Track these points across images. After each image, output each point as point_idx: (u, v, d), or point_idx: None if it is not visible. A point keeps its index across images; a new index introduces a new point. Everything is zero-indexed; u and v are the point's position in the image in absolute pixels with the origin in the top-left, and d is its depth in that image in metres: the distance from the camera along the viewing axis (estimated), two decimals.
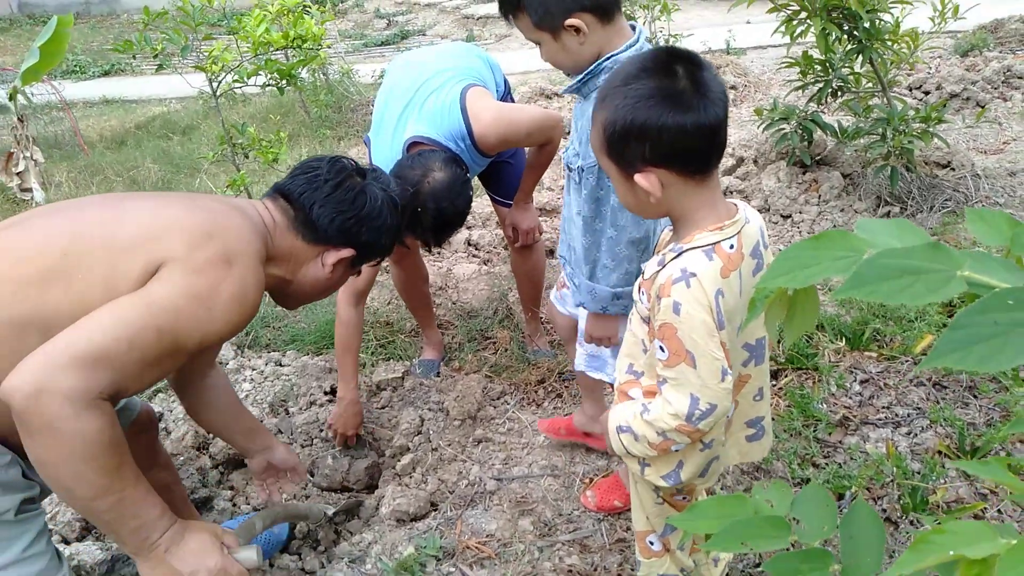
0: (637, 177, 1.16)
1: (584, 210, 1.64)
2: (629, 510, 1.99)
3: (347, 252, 1.58)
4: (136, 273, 1.25)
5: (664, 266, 1.20)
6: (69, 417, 1.12)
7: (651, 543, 1.55)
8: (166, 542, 1.28)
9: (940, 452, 2.07)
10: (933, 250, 0.55)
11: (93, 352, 1.16)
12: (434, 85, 2.18)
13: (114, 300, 1.22)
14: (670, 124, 1.11)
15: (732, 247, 1.19)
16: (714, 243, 1.17)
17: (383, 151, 2.22)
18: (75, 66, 10.18)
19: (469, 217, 3.91)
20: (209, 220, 1.36)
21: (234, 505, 2.21)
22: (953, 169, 3.69)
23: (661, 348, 1.19)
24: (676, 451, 1.28)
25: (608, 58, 1.53)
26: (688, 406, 1.18)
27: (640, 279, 1.29)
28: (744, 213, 1.24)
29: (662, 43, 5.91)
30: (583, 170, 1.62)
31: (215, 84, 3.47)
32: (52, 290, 1.22)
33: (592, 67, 1.54)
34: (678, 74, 1.13)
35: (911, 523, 1.88)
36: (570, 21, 1.48)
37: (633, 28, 1.59)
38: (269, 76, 3.47)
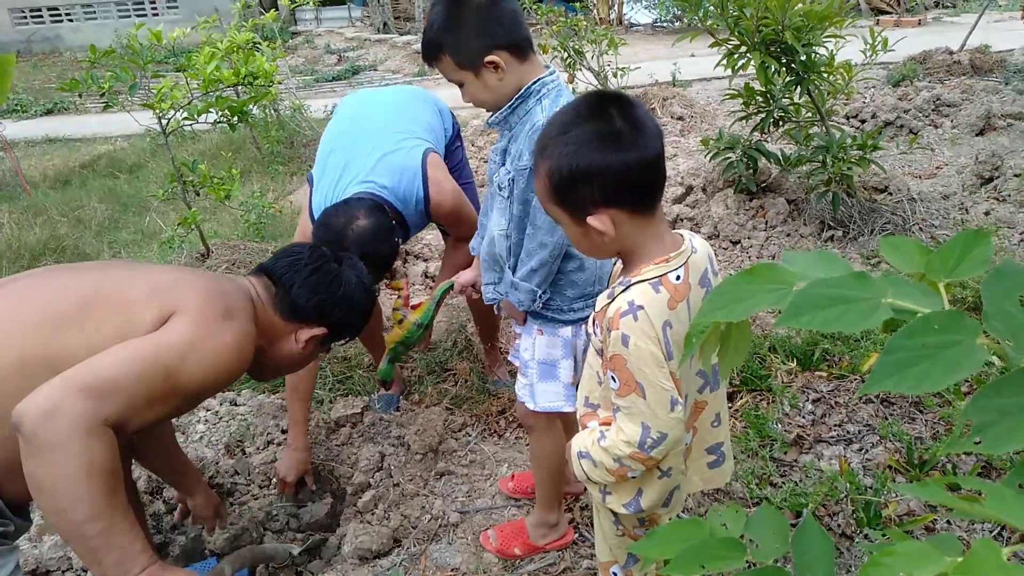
0: (590, 220, 1.18)
1: (515, 210, 1.69)
2: (588, 533, 2.00)
3: (319, 330, 1.70)
4: (149, 320, 1.37)
5: (613, 299, 1.23)
6: (76, 438, 1.19)
7: (615, 574, 1.56)
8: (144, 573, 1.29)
9: (890, 467, 2.14)
10: (858, 280, 0.59)
11: (105, 382, 1.24)
12: (389, 146, 2.23)
13: (126, 345, 1.31)
14: (615, 163, 1.15)
15: (679, 278, 1.22)
16: (661, 275, 1.21)
17: (323, 194, 2.26)
18: (16, 105, 9.96)
19: (426, 250, 3.94)
20: (213, 280, 1.53)
21: (188, 548, 2.16)
22: (891, 193, 3.85)
23: (613, 378, 1.22)
24: (633, 478, 1.30)
25: (535, 81, 1.62)
26: (640, 434, 1.21)
27: (592, 312, 1.32)
28: (691, 243, 1.28)
29: (611, 76, 6.07)
30: (515, 177, 1.66)
31: (164, 121, 3.45)
32: (66, 334, 1.30)
33: (520, 93, 1.63)
34: (613, 115, 1.17)
35: (865, 537, 1.93)
36: (489, 58, 1.58)
37: (546, 67, 1.68)
38: (220, 113, 3.46)
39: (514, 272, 1.74)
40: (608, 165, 1.15)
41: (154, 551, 1.83)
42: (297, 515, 2.27)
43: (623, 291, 1.21)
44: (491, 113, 1.70)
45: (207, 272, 1.63)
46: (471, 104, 1.71)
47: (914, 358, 0.54)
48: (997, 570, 0.49)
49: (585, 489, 1.96)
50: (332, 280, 1.70)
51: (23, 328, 1.29)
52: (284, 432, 2.55)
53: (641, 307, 1.17)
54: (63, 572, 2.05)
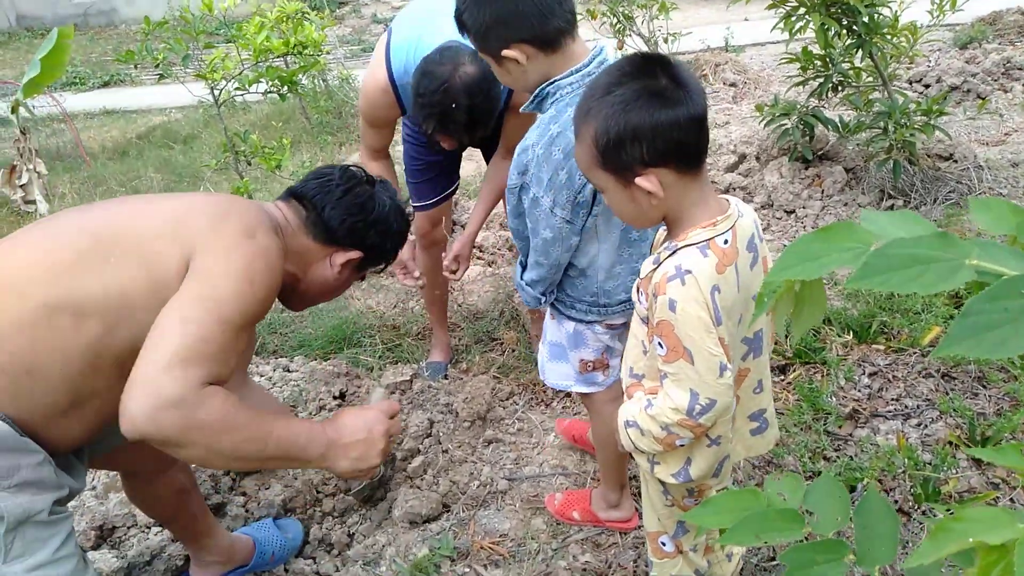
0: (639, 180, 1.15)
1: (512, 223, 1.67)
2: (580, 525, 2.00)
3: (355, 254, 1.65)
4: (171, 258, 1.33)
5: (659, 264, 1.20)
6: (190, 418, 1.20)
7: (663, 544, 1.55)
8: (331, 434, 1.42)
9: (951, 443, 2.07)
10: (941, 239, 0.56)
11: (180, 356, 1.23)
12: None
13: (172, 305, 1.29)
14: (664, 120, 1.12)
15: (727, 242, 1.19)
16: (708, 239, 1.18)
17: (409, 40, 2.12)
18: (75, 78, 10.22)
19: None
20: (224, 200, 1.47)
21: (247, 511, 2.22)
22: (956, 161, 3.69)
23: (660, 345, 1.20)
24: (681, 446, 1.29)
25: (550, 83, 1.48)
26: (688, 401, 1.19)
27: (637, 279, 1.30)
28: (736, 208, 1.24)
29: (661, 42, 5.92)
30: (513, 188, 1.59)
31: (216, 92, 3.49)
32: (85, 275, 1.28)
33: (536, 93, 1.51)
34: (657, 73, 1.14)
35: (923, 514, 1.88)
36: (507, 52, 1.44)
37: (593, 48, 1.54)
38: (270, 83, 3.49)
39: (524, 268, 1.71)
40: (657, 122, 1.12)
41: (205, 513, 1.90)
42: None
43: (670, 255, 1.19)
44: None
45: (219, 195, 1.57)
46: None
47: (994, 322, 0.51)
48: None
49: (632, 458, 1.96)
50: (366, 201, 1.65)
51: (43, 274, 1.27)
52: (336, 398, 2.59)
53: (689, 271, 1.15)
54: (128, 528, 2.13)
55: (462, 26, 1.53)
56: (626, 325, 1.60)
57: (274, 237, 1.48)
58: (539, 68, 1.47)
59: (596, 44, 1.59)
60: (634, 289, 1.32)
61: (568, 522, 2.02)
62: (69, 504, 1.42)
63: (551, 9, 1.43)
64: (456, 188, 2.66)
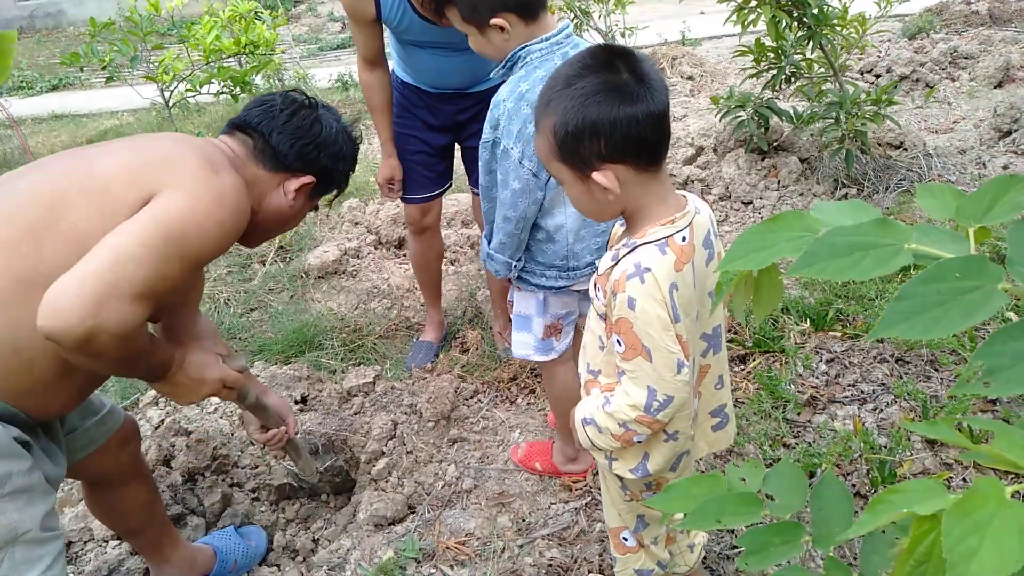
0: (596, 176, 1.15)
1: (483, 180, 1.71)
2: (598, 497, 2.00)
3: (307, 179, 1.62)
4: (131, 201, 1.29)
5: (618, 262, 1.20)
6: (119, 347, 1.23)
7: (625, 539, 1.56)
8: (176, 366, 1.48)
9: (905, 427, 2.12)
10: (881, 225, 0.57)
11: (140, 293, 1.23)
12: None
13: (127, 227, 1.25)
14: (622, 116, 1.11)
15: (684, 239, 1.19)
16: (667, 237, 1.18)
17: None
18: (22, 82, 9.92)
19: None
20: (178, 140, 1.44)
21: (206, 521, 2.18)
22: (906, 149, 3.78)
23: (618, 342, 1.20)
24: (639, 443, 1.29)
25: (521, 48, 1.60)
26: (646, 397, 1.19)
27: (595, 275, 1.30)
28: (694, 204, 1.25)
29: (618, 36, 5.96)
30: (485, 143, 1.68)
31: (167, 94, 3.42)
32: (46, 244, 1.25)
33: (508, 58, 1.62)
34: (619, 68, 1.14)
35: None
36: (494, 20, 1.57)
37: (560, 26, 1.65)
38: (222, 84, 3.43)
39: (489, 240, 1.76)
40: (615, 118, 1.11)
41: (166, 526, 1.87)
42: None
43: (628, 253, 1.19)
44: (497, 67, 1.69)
45: (171, 134, 1.52)
46: (477, 53, 1.71)
47: (927, 304, 0.52)
48: (998, 506, 0.48)
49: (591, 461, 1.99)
50: (312, 124, 1.61)
51: (6, 251, 1.23)
52: (298, 402, 2.55)
53: (648, 269, 1.15)
54: (84, 543, 2.08)
55: (446, 1, 1.64)
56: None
57: (233, 172, 1.45)
58: (518, 37, 1.60)
59: (563, 20, 1.69)
60: (591, 284, 1.32)
61: (530, 471, 2.15)
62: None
63: None
64: (448, 188, 2.73)
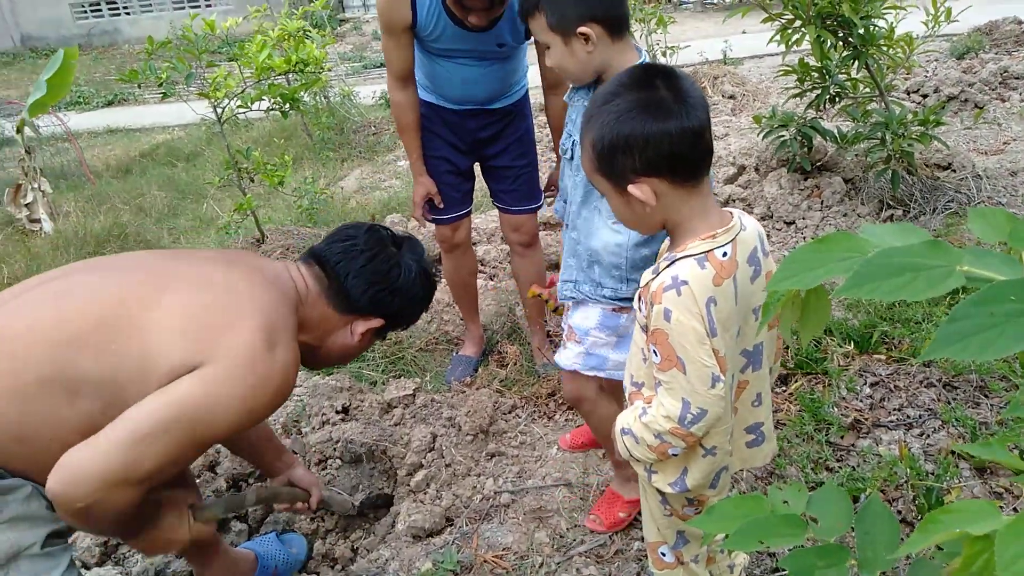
0: (631, 188, 1.19)
1: (580, 195, 1.69)
2: (638, 516, 1.99)
3: (377, 322, 1.61)
4: (172, 362, 1.28)
5: (658, 274, 1.23)
6: (117, 522, 1.29)
7: (663, 555, 1.55)
8: (146, 529, 1.46)
9: (953, 452, 2.07)
10: (932, 247, 0.57)
11: (142, 478, 1.25)
12: None
13: (154, 406, 1.25)
14: (654, 132, 1.15)
15: (726, 255, 1.21)
16: (707, 251, 1.20)
17: None
18: (79, 97, 10.31)
19: (475, 235, 3.94)
20: (247, 302, 1.38)
21: (249, 527, 2.23)
22: (954, 171, 3.71)
23: (655, 352, 1.22)
24: (674, 455, 1.30)
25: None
26: (680, 409, 1.21)
27: (639, 288, 1.32)
28: (740, 220, 1.26)
29: (660, 55, 5.97)
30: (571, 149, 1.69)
31: (219, 110, 3.52)
32: (84, 354, 1.26)
33: (597, 81, 1.60)
34: (657, 86, 1.18)
35: None
36: (582, 28, 1.53)
37: (639, 51, 1.64)
38: (272, 101, 3.52)
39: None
40: (648, 133, 1.15)
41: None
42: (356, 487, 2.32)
43: (668, 266, 1.21)
44: (571, 88, 1.68)
45: (247, 271, 1.46)
46: (555, 68, 1.66)
47: (980, 325, 0.52)
48: None
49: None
50: (391, 269, 1.58)
51: (42, 346, 1.25)
52: (339, 412, 2.59)
53: (685, 282, 1.17)
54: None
55: (534, 6, 1.59)
56: None
57: (294, 345, 1.42)
58: (602, 53, 1.57)
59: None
60: (635, 297, 1.34)
61: (621, 525, 2.00)
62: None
63: None
64: (469, 211, 2.77)
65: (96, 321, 1.28)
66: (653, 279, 1.23)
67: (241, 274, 1.44)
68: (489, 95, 2.46)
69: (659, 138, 1.15)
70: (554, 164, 2.72)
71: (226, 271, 1.44)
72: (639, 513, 1.95)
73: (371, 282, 1.56)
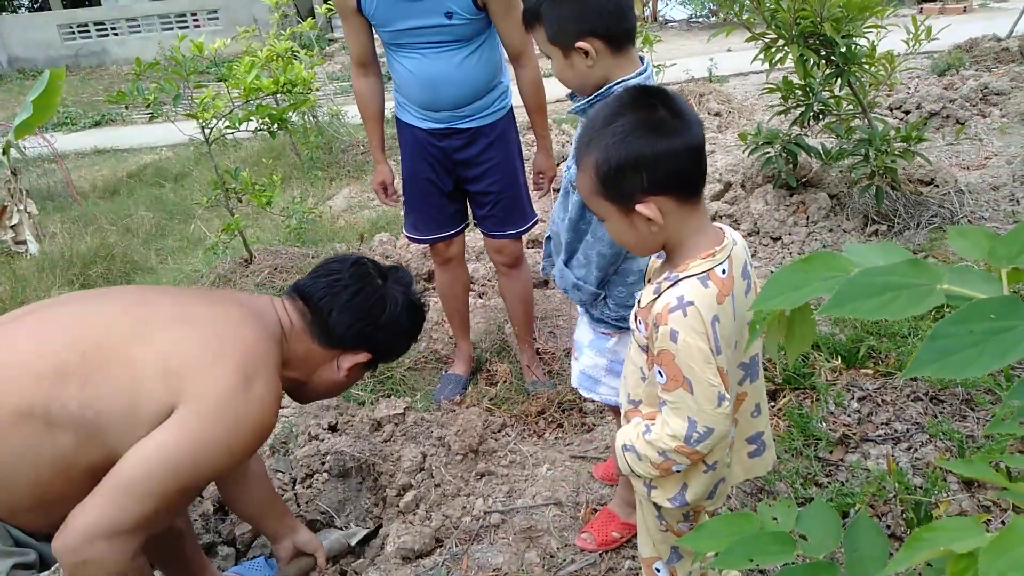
0: (639, 208, 1.18)
1: (572, 213, 1.69)
2: (631, 539, 1.98)
3: (363, 357, 1.60)
4: (153, 403, 1.29)
5: (659, 295, 1.22)
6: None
7: (657, 570, 1.55)
8: None
9: (940, 467, 2.08)
10: (913, 266, 0.58)
11: (132, 527, 1.26)
12: None
13: (137, 460, 1.27)
14: (662, 150, 1.16)
15: (724, 272, 1.22)
16: (708, 270, 1.21)
17: None
18: (66, 118, 10.28)
19: (466, 252, 3.96)
20: (228, 340, 1.38)
21: (237, 550, 2.20)
22: (937, 186, 3.76)
23: (660, 373, 1.22)
24: (678, 471, 1.30)
25: (618, 82, 1.56)
26: (686, 429, 1.21)
27: (636, 307, 1.32)
28: (730, 236, 1.28)
29: None
30: (569, 188, 1.68)
31: (207, 130, 3.52)
32: (65, 387, 1.26)
33: (602, 91, 1.58)
34: (655, 105, 1.19)
35: None
36: (580, 44, 1.53)
37: (642, 60, 1.62)
38: (260, 121, 3.53)
39: (570, 268, 1.75)
40: (657, 152, 1.16)
41: (198, 554, 1.90)
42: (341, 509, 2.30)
43: (671, 286, 1.21)
44: (577, 99, 1.67)
45: (230, 307, 1.47)
46: (557, 79, 1.66)
47: (961, 344, 0.53)
48: None
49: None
50: (375, 304, 1.57)
51: (25, 377, 1.25)
52: (326, 428, 2.58)
53: (691, 303, 1.18)
54: None
55: (535, 17, 1.59)
56: None
57: (275, 379, 1.42)
58: (603, 67, 1.56)
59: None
60: (632, 317, 1.34)
61: (613, 545, 2.00)
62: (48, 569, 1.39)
63: (624, 12, 1.56)
64: (466, 226, 2.77)
65: (79, 357, 1.28)
66: (655, 299, 1.23)
67: (224, 310, 1.44)
68: (458, 96, 2.38)
69: (667, 156, 1.16)
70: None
71: (209, 307, 1.44)
72: (632, 536, 1.95)
73: (356, 317, 1.55)
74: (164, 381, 1.29)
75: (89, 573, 1.25)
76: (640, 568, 1.91)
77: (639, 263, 1.68)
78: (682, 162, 1.18)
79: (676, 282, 1.21)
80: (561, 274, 1.78)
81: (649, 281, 1.35)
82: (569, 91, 1.69)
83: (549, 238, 1.86)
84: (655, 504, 1.41)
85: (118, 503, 1.25)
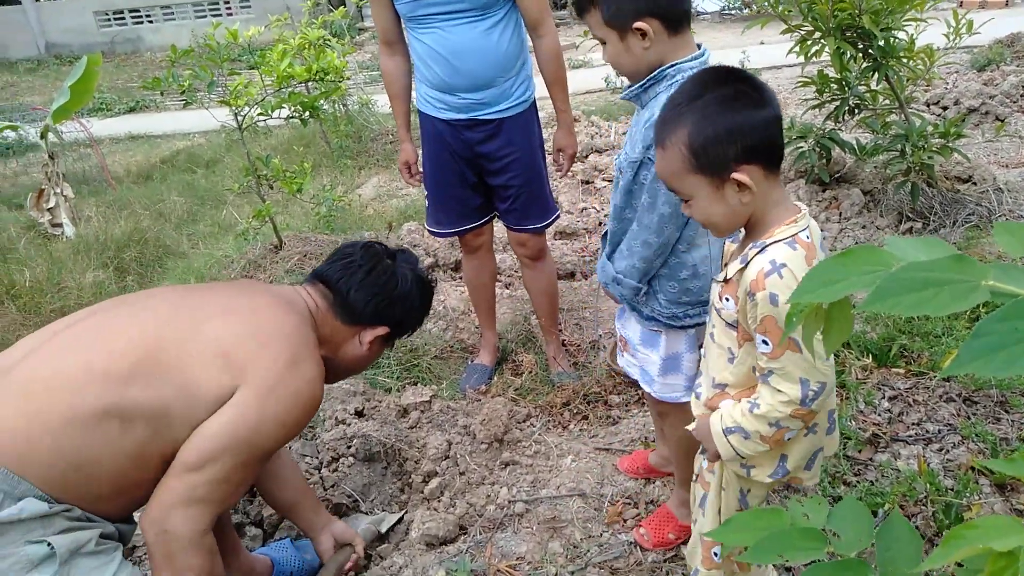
0: (736, 176, 1.21)
1: (618, 200, 1.67)
2: (684, 543, 1.93)
3: (382, 330, 1.74)
4: (213, 388, 1.43)
5: (748, 264, 1.24)
6: (184, 553, 1.42)
7: (715, 554, 1.54)
8: None
9: (973, 468, 2.05)
10: (957, 262, 0.57)
11: (202, 498, 1.42)
12: None
13: (204, 438, 1.41)
14: (756, 119, 1.21)
15: (808, 237, 1.25)
16: (793, 235, 1.23)
17: None
18: (101, 104, 10.45)
19: (495, 243, 3.97)
20: (272, 325, 1.53)
21: (264, 531, 2.24)
22: (975, 183, 3.68)
23: (765, 342, 1.23)
24: (789, 440, 1.31)
25: (672, 65, 1.53)
26: (800, 390, 1.22)
27: (719, 287, 1.34)
28: (805, 208, 1.30)
29: None
30: (624, 164, 1.64)
31: (239, 118, 3.56)
32: (133, 386, 1.39)
33: (655, 73, 1.55)
34: (736, 81, 1.23)
35: None
36: (638, 24, 1.50)
37: (699, 46, 1.60)
38: (292, 109, 3.55)
39: (613, 262, 1.72)
40: (748, 121, 1.20)
41: (230, 532, 1.95)
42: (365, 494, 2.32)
43: (759, 253, 1.24)
44: (627, 85, 1.64)
45: (268, 299, 1.61)
46: (610, 64, 1.64)
47: (1005, 341, 0.52)
48: None
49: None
50: (388, 279, 1.72)
51: (99, 379, 1.37)
52: (352, 414, 2.60)
53: (784, 264, 1.20)
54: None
55: (590, 0, 1.56)
56: None
57: (317, 360, 1.56)
58: (659, 49, 1.53)
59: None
60: (715, 296, 1.35)
61: (668, 546, 1.97)
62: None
63: None
64: (493, 217, 2.74)
65: (143, 356, 1.41)
66: (743, 269, 1.25)
67: (261, 300, 1.58)
68: (479, 73, 2.35)
69: (759, 125, 1.20)
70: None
71: (249, 299, 1.58)
72: (685, 540, 1.93)
73: (372, 293, 1.69)
74: (222, 368, 1.43)
75: (168, 543, 1.40)
76: (663, 562, 1.92)
77: (692, 256, 1.64)
78: (771, 132, 1.22)
79: (763, 248, 1.23)
80: (602, 268, 1.75)
81: (726, 265, 1.36)
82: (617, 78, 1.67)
83: (605, 235, 1.81)
84: (747, 486, 1.42)
85: (189, 480, 1.39)
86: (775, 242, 1.23)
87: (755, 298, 1.21)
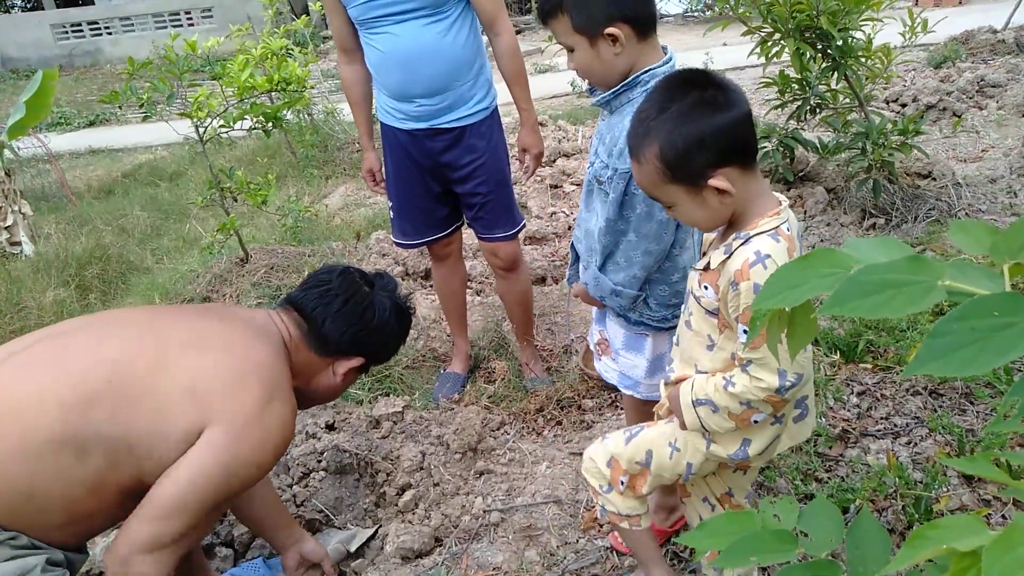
0: (713, 181, 1.22)
1: (610, 213, 1.62)
2: (662, 545, 1.92)
3: (357, 361, 1.69)
4: (181, 424, 1.37)
5: (731, 254, 1.26)
6: None
7: (622, 482, 1.55)
8: None
9: (941, 462, 2.08)
10: (914, 262, 0.57)
11: (169, 544, 1.37)
12: None
13: (175, 481, 1.36)
14: (723, 122, 1.22)
15: (788, 229, 1.27)
16: (776, 227, 1.25)
17: None
18: (60, 118, 10.25)
19: (464, 250, 3.95)
20: (245, 359, 1.47)
21: (235, 551, 2.19)
22: (935, 179, 3.75)
23: (745, 331, 1.25)
24: (755, 423, 1.32)
25: (646, 71, 1.54)
26: (778, 380, 1.24)
27: (698, 274, 1.34)
28: (785, 201, 1.32)
29: None
30: (613, 176, 1.61)
31: (201, 130, 3.50)
32: (94, 414, 1.32)
33: (628, 80, 1.55)
34: (701, 85, 1.24)
35: None
36: (610, 29, 1.49)
37: (664, 50, 1.60)
38: (255, 120, 3.50)
39: (605, 274, 1.69)
40: (716, 126, 1.21)
41: (198, 553, 1.91)
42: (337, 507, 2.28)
43: (743, 244, 1.25)
44: (597, 92, 1.62)
45: (239, 326, 1.56)
46: (576, 72, 1.61)
47: (962, 341, 0.52)
48: None
49: (676, 533, 1.97)
50: (365, 309, 1.66)
51: (53, 407, 1.31)
52: (323, 427, 2.57)
53: (768, 255, 1.22)
54: None
55: (557, 7, 1.54)
56: None
57: (290, 394, 1.52)
58: (630, 55, 1.53)
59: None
60: (694, 283, 1.35)
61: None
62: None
63: None
64: (460, 225, 2.72)
65: (105, 383, 1.35)
66: (726, 259, 1.26)
67: (235, 330, 1.52)
68: (435, 77, 2.30)
69: (726, 128, 1.22)
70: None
71: (221, 328, 1.52)
72: (665, 541, 1.97)
73: (348, 324, 1.64)
74: (191, 404, 1.37)
75: None
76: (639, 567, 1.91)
77: (684, 259, 1.65)
78: (740, 131, 1.24)
79: (748, 239, 1.25)
80: (596, 281, 1.71)
81: (704, 254, 1.37)
82: (587, 86, 1.66)
83: (573, 247, 1.80)
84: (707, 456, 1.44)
85: (158, 523, 1.35)
86: (759, 233, 1.25)
87: (738, 287, 1.23)
